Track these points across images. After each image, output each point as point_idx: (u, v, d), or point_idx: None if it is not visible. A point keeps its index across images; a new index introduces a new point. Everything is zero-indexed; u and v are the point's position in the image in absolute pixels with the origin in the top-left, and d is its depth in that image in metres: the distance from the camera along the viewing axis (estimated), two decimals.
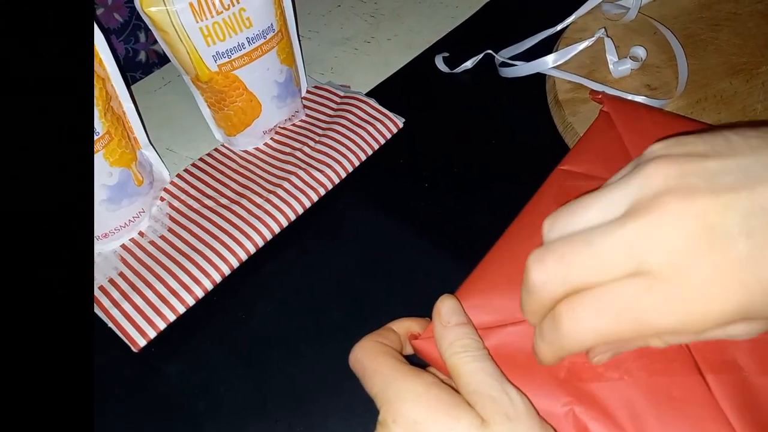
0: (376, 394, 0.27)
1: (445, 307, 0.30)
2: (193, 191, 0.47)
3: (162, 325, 0.40)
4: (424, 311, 0.32)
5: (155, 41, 0.59)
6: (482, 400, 0.26)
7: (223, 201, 0.46)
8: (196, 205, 0.46)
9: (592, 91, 0.42)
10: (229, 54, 0.43)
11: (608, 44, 0.49)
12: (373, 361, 0.29)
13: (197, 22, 0.41)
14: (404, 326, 0.32)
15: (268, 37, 0.45)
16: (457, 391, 0.27)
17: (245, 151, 0.50)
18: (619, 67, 0.48)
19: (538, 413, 0.26)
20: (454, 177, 0.47)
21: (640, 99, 0.47)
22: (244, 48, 0.44)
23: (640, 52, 0.50)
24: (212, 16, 0.41)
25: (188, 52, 0.43)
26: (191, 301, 0.41)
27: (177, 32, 0.42)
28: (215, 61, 0.43)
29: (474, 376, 0.27)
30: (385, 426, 0.26)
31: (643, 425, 0.26)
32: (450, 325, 0.29)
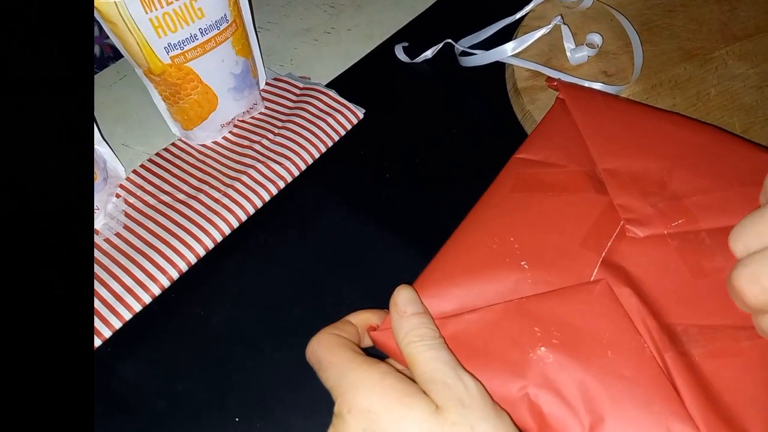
0: (332, 386, 0.27)
1: (402, 297, 0.29)
2: (149, 187, 0.46)
3: (118, 324, 0.39)
4: (386, 304, 0.32)
5: None
6: (437, 387, 0.26)
7: (180, 196, 0.45)
8: (152, 201, 0.45)
9: (548, 79, 0.42)
10: (182, 45, 0.42)
11: (565, 31, 0.49)
12: (328, 353, 0.28)
13: (146, 12, 0.40)
14: (362, 318, 0.32)
15: (222, 27, 0.44)
16: (413, 381, 0.27)
17: (203, 145, 0.49)
18: (576, 54, 0.49)
19: (492, 399, 0.26)
20: (415, 168, 0.47)
21: (597, 86, 0.47)
22: (197, 39, 0.43)
23: (597, 39, 0.50)
24: (162, 7, 0.40)
25: (139, 45, 0.42)
26: (148, 299, 0.40)
27: (126, 24, 0.41)
28: (167, 53, 0.42)
29: (429, 365, 0.27)
30: (340, 417, 0.26)
31: (595, 405, 0.26)
32: (406, 315, 0.29)
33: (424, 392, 0.26)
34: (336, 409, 0.27)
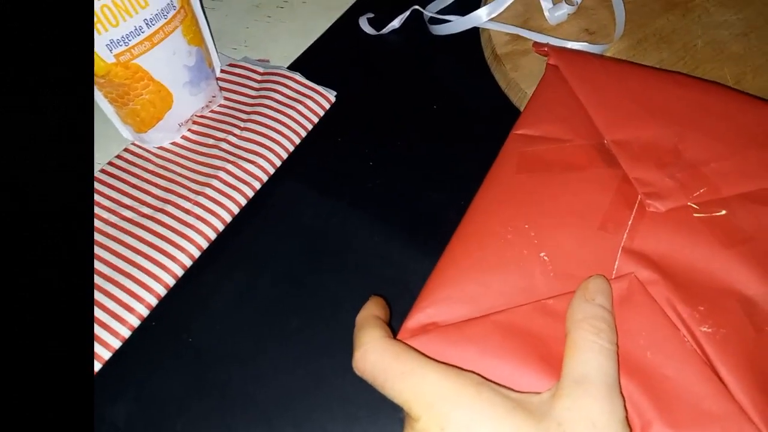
0: (409, 399, 0.23)
1: (594, 283, 0.27)
2: (106, 202, 0.41)
3: (97, 367, 0.35)
4: (387, 302, 0.30)
5: None
6: (579, 391, 0.23)
7: (145, 210, 0.40)
8: (113, 219, 0.40)
9: (536, 44, 0.39)
10: (126, 41, 0.37)
11: None
12: (396, 361, 0.24)
13: None
14: (371, 314, 0.29)
15: (170, 15, 0.39)
16: (502, 387, 0.24)
17: (161, 148, 0.44)
18: (555, 12, 0.46)
19: None
20: (399, 150, 0.44)
21: (580, 45, 0.44)
22: (143, 32, 0.38)
23: None
24: None
25: None
26: (126, 333, 0.36)
27: None
28: (110, 50, 0.37)
29: (589, 365, 0.24)
30: None
31: (641, 410, 0.25)
32: (593, 302, 0.26)
33: (523, 408, 0.23)
34: (421, 425, 0.23)
